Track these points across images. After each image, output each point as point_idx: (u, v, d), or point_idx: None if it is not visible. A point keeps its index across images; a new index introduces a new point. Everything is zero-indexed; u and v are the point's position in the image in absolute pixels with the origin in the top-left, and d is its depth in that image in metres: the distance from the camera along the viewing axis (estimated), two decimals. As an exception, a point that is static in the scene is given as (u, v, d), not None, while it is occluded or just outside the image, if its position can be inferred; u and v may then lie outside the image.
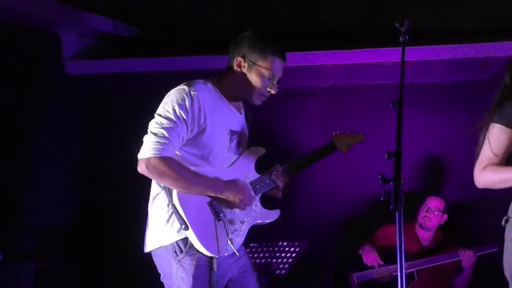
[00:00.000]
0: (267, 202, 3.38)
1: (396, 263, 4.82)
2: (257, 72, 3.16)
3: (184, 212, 3.04)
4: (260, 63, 3.16)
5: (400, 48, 2.86)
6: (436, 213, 4.93)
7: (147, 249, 3.21)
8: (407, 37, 2.84)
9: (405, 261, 4.78)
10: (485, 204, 4.98)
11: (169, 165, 2.99)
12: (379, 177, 2.52)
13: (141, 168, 3.02)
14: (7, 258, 4.56)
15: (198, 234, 3.03)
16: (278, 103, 3.47)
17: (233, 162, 3.25)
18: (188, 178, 3.04)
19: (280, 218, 3.41)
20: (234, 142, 3.25)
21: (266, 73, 3.16)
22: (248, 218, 3.24)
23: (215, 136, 3.14)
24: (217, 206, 3.12)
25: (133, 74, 5.43)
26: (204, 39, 5.38)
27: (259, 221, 3.30)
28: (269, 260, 4.50)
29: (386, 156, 2.56)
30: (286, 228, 4.36)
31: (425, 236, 5.01)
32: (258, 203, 3.29)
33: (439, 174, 5.35)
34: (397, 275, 4.77)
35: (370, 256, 4.84)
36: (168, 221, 3.09)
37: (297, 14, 4.94)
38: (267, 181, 3.30)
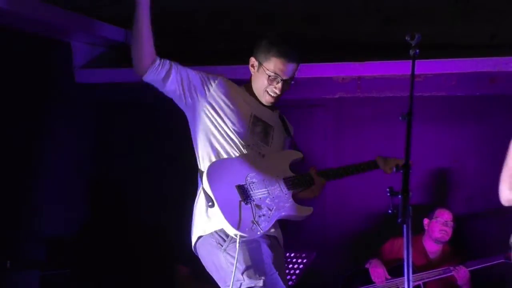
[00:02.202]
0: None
1: (403, 276, 4.85)
2: (262, 71, 3.30)
3: (212, 190, 3.12)
4: (265, 63, 3.29)
5: (410, 61, 2.83)
6: (451, 225, 4.93)
7: (193, 243, 3.28)
8: (417, 51, 2.83)
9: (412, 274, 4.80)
10: (491, 218, 4.99)
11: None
12: (388, 190, 2.52)
13: None
14: (14, 266, 4.57)
15: (223, 210, 3.09)
16: (288, 114, 3.52)
17: (267, 155, 3.33)
18: None
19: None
20: (259, 129, 3.33)
21: (268, 73, 3.28)
22: (277, 206, 3.25)
23: (238, 113, 3.25)
24: (246, 190, 3.19)
25: (143, 84, 5.44)
26: (216, 49, 5.40)
27: (290, 214, 3.31)
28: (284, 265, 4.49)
29: (394, 169, 2.57)
30: (294, 240, 4.35)
31: (433, 249, 5.00)
32: (291, 198, 3.31)
33: (447, 187, 5.33)
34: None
35: (377, 272, 4.82)
36: (206, 211, 3.18)
37: (309, 26, 4.96)
38: (299, 180, 3.36)
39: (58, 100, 5.33)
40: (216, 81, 3.27)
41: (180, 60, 5.41)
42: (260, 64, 3.29)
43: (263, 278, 3.09)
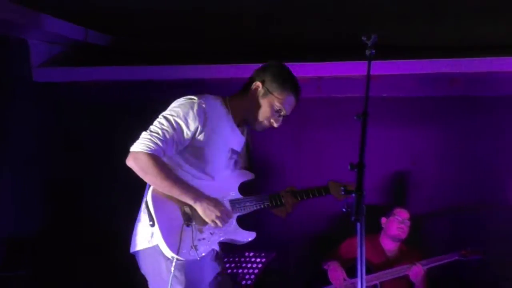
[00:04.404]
0: (245, 224, 3.39)
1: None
2: (270, 101, 3.25)
3: (154, 209, 3.11)
4: (276, 94, 3.25)
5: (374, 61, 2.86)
6: (408, 224, 4.99)
7: (133, 249, 3.25)
8: (373, 51, 2.85)
9: (368, 273, 4.85)
10: (446, 217, 5.06)
11: (155, 163, 3.06)
12: (342, 188, 2.54)
13: (129, 161, 3.11)
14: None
15: (162, 231, 3.08)
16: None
17: (217, 177, 3.29)
18: (170, 180, 3.10)
19: (248, 229, 3.41)
20: (233, 161, 3.34)
21: (277, 104, 3.25)
22: (220, 231, 3.25)
23: (216, 151, 3.22)
24: (190, 213, 3.16)
25: (101, 83, 5.41)
26: (178, 49, 5.38)
27: (231, 238, 3.32)
28: (235, 270, 4.49)
29: (349, 168, 2.58)
30: (254, 240, 4.35)
31: (391, 247, 5.05)
32: (234, 222, 3.32)
33: (405, 188, 5.38)
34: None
35: (335, 275, 4.84)
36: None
37: (270, 27, 4.96)
38: (248, 203, 3.35)
39: (14, 99, 5.24)
40: (205, 130, 3.16)
41: (129, 59, 5.42)
42: (269, 92, 3.24)
43: None
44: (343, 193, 2.57)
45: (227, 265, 4.45)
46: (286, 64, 5.24)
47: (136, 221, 3.26)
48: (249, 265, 4.52)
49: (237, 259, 4.51)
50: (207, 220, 3.16)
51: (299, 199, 3.49)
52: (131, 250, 3.27)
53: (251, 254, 4.54)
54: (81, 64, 5.44)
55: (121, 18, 4.80)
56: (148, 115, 3.25)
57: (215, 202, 3.18)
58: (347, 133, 5.19)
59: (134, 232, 3.26)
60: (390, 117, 5.33)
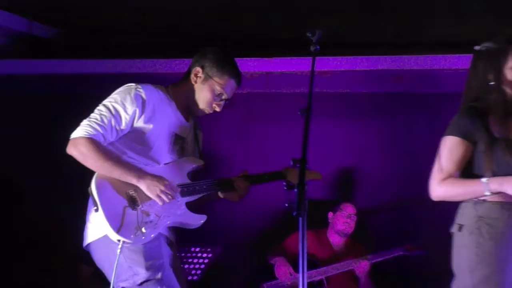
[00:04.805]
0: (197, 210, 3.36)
1: (307, 271, 4.91)
2: (211, 85, 3.29)
3: (98, 193, 3.10)
4: (216, 78, 3.29)
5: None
6: (354, 219, 5.04)
7: (86, 242, 3.22)
8: (318, 47, 2.87)
9: (314, 268, 4.88)
10: (391, 212, 5.12)
11: (95, 147, 3.07)
12: (284, 183, 2.55)
13: (69, 148, 3.12)
14: None
15: (107, 215, 3.07)
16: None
17: (168, 163, 3.28)
18: (111, 161, 3.11)
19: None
20: (178, 147, 3.32)
21: (218, 89, 3.29)
22: (167, 214, 3.23)
23: (158, 136, 3.22)
24: (135, 196, 3.16)
25: (45, 76, 5.33)
26: (123, 42, 5.32)
27: (181, 222, 3.30)
28: (181, 265, 4.46)
29: (291, 163, 2.59)
30: (200, 234, 4.33)
31: (338, 242, 5.10)
32: (183, 206, 3.29)
33: (351, 183, 5.43)
34: (307, 282, 4.84)
35: (281, 270, 4.85)
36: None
37: (217, 21, 4.94)
38: (197, 187, 3.33)
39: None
40: (144, 113, 3.17)
41: (88, 53, 5.36)
42: (210, 77, 3.28)
43: (160, 272, 3.12)
44: (285, 188, 2.56)
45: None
46: (235, 59, 5.30)
47: (86, 214, 3.23)
48: (195, 260, 4.50)
49: (183, 254, 4.49)
50: (152, 196, 3.15)
51: (254, 183, 3.51)
52: (84, 245, 3.24)
53: (197, 249, 4.53)
54: (24, 57, 5.34)
55: (67, 11, 4.73)
56: (91, 109, 3.21)
57: (159, 178, 3.18)
58: (295, 128, 5.21)
59: (85, 226, 3.23)
60: (337, 113, 5.37)
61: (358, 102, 5.42)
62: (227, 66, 3.32)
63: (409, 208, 5.15)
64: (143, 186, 3.14)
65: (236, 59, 5.26)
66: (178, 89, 3.34)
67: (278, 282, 4.86)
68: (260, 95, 5.56)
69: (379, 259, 4.89)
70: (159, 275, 3.11)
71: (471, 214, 2.98)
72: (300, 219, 2.48)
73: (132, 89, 3.19)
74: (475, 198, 2.97)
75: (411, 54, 5.23)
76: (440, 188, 3.00)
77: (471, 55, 3.17)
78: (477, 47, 3.14)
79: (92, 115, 3.14)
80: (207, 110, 3.36)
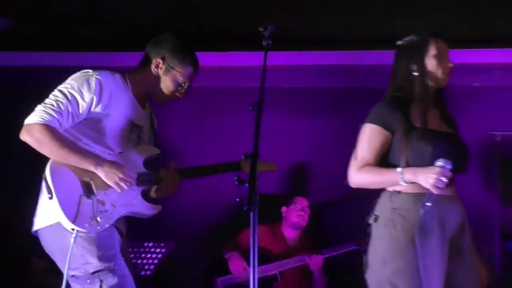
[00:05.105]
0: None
1: (261, 265, 4.95)
2: (173, 76, 3.31)
3: (52, 180, 3.06)
4: (178, 68, 3.30)
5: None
6: (307, 212, 5.08)
7: (35, 227, 3.17)
8: (270, 42, 2.88)
9: (268, 263, 4.91)
10: (345, 207, 5.16)
11: (50, 132, 3.02)
12: (235, 178, 2.55)
13: (23, 135, 3.05)
14: None
15: (61, 203, 3.03)
16: (150, 103, 3.48)
17: (123, 152, 3.26)
18: (67, 148, 3.06)
19: (147, 219, 3.36)
20: (135, 135, 3.30)
21: (180, 79, 3.31)
22: (122, 203, 3.20)
23: (114, 123, 3.19)
24: (90, 184, 3.12)
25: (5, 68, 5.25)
26: (74, 35, 5.25)
27: (136, 211, 3.27)
28: (134, 260, 4.44)
29: (243, 157, 2.59)
30: (153, 229, 4.32)
31: (292, 236, 5.13)
32: (139, 195, 3.27)
33: (305, 178, 5.46)
34: (261, 277, 4.88)
35: (235, 265, 4.87)
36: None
37: (172, 14, 4.92)
38: (153, 177, 3.32)
39: None
40: (101, 101, 3.13)
41: (44, 45, 5.27)
42: (171, 68, 3.29)
43: (113, 262, 3.09)
44: (236, 183, 2.56)
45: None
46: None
47: (39, 199, 3.18)
48: (148, 255, 4.48)
49: (136, 249, 4.47)
50: (110, 183, 3.12)
51: (184, 177, 3.45)
52: (32, 230, 3.18)
53: (151, 244, 4.51)
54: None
55: (18, 2, 4.66)
56: (42, 101, 3.15)
57: (117, 165, 3.15)
58: (249, 122, 5.22)
59: (35, 212, 3.18)
60: (291, 108, 5.39)
61: (312, 97, 5.45)
62: (187, 56, 3.34)
63: (362, 202, 5.19)
64: (101, 173, 3.11)
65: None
66: (136, 78, 3.31)
67: (232, 277, 4.87)
68: (215, 89, 5.55)
69: (333, 254, 4.93)
70: (111, 265, 3.08)
71: (387, 206, 2.99)
72: (251, 213, 2.48)
73: (89, 76, 3.16)
74: (392, 186, 2.97)
75: (364, 50, 5.26)
76: (357, 175, 3.02)
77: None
78: (399, 42, 3.19)
79: (47, 100, 3.09)
80: (170, 99, 3.37)
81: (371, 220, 3.07)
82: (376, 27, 4.98)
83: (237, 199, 2.53)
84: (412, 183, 2.91)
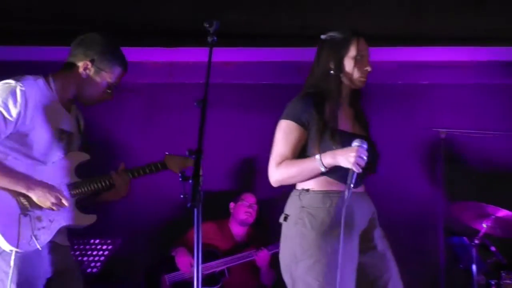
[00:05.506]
0: (85, 206, 3.29)
1: (209, 262, 4.94)
2: (101, 78, 3.21)
3: None
4: (108, 70, 3.21)
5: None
6: (255, 208, 5.10)
7: None
8: (215, 38, 2.86)
9: (216, 259, 4.90)
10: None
11: None
12: (179, 175, 2.53)
13: None
14: None
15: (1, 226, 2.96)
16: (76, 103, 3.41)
17: (55, 162, 3.18)
18: None
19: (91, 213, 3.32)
20: (64, 142, 3.21)
21: (109, 80, 3.22)
22: (59, 218, 3.16)
23: (42, 134, 3.09)
24: (26, 202, 3.05)
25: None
26: (7, 28, 5.14)
27: (73, 224, 3.23)
28: (80, 258, 4.38)
29: (187, 153, 2.58)
30: (99, 226, 4.26)
31: (239, 232, 5.14)
32: (73, 206, 3.22)
33: (253, 174, 5.47)
34: (208, 273, 4.87)
35: (182, 260, 4.86)
36: None
37: (121, 10, 4.87)
38: (85, 186, 3.25)
39: None
40: (27, 113, 3.02)
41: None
42: (100, 70, 3.20)
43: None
44: (180, 179, 2.53)
45: (71, 253, 4.33)
46: (138, 49, 5.23)
47: None
48: (94, 253, 4.42)
49: (82, 246, 4.40)
50: (43, 206, 3.07)
51: (134, 176, 3.40)
52: None
53: (97, 241, 4.44)
54: None
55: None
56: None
57: (49, 188, 3.09)
58: (198, 119, 5.21)
59: None
60: (239, 104, 5.40)
61: (261, 93, 5.46)
62: (116, 57, 3.25)
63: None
64: (34, 197, 3.04)
65: (140, 48, 5.27)
66: (62, 81, 3.20)
67: (180, 273, 4.86)
68: (164, 85, 5.52)
69: (279, 249, 4.94)
70: None
71: (296, 204, 3.02)
72: (195, 210, 2.47)
73: (13, 88, 3.02)
74: (313, 176, 2.96)
75: (313, 46, 5.28)
76: (278, 171, 3.00)
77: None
78: (323, 36, 3.18)
79: None
80: (99, 101, 3.29)
81: (281, 220, 3.10)
82: (325, 24, 5.00)
83: (181, 196, 2.51)
84: (333, 166, 2.89)
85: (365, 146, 2.86)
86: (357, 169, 2.82)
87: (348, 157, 2.83)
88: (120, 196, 3.38)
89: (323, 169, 2.91)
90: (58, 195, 3.10)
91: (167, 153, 3.48)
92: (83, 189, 3.24)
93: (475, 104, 5.45)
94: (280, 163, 3.00)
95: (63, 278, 3.19)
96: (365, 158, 2.84)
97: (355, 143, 2.86)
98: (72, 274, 3.27)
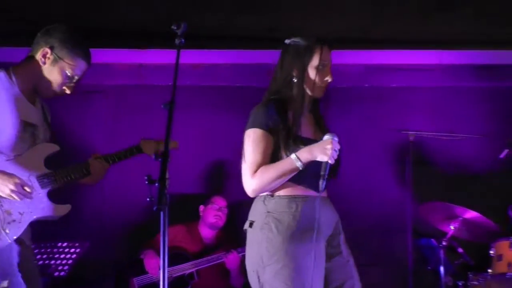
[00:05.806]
0: (61, 197, 3.27)
1: (178, 264, 4.92)
2: (61, 67, 3.15)
3: None
4: (67, 60, 3.15)
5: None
6: (225, 212, 5.08)
7: None
8: (183, 40, 2.84)
9: (185, 262, 4.89)
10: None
11: None
12: (146, 178, 2.51)
13: None
14: None
15: None
16: (65, 100, 3.38)
17: (21, 154, 3.14)
18: None
19: (61, 219, 3.29)
20: (28, 135, 3.16)
21: (69, 71, 3.16)
22: (30, 210, 3.12)
23: (4, 127, 3.06)
24: None
25: None
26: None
27: (45, 215, 3.19)
28: (47, 261, 4.34)
29: (154, 157, 2.57)
30: (67, 229, 4.24)
31: (208, 235, 5.13)
32: (45, 198, 3.18)
33: (223, 177, 5.46)
34: (178, 276, 4.85)
35: (151, 262, 4.83)
36: None
37: (90, 11, 4.83)
38: (57, 177, 3.22)
39: None
40: None
41: None
42: (60, 59, 3.14)
43: (8, 279, 3.01)
44: (146, 182, 2.51)
45: (39, 256, 4.30)
46: (107, 50, 5.20)
47: None
48: (62, 256, 4.38)
49: (49, 250, 4.35)
50: (3, 195, 3.03)
51: (110, 162, 3.40)
52: None
53: (64, 244, 4.40)
54: None
55: None
56: None
57: (9, 176, 3.03)
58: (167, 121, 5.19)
59: None
60: (209, 106, 5.39)
61: (231, 96, 5.46)
62: (78, 47, 3.19)
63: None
64: None
65: (109, 49, 5.23)
66: (22, 71, 3.17)
67: (148, 276, 4.83)
68: (133, 87, 5.49)
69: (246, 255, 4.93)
70: (5, 283, 2.99)
71: (261, 210, 3.01)
72: (161, 213, 2.46)
73: None
74: (290, 174, 2.94)
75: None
76: (254, 180, 2.98)
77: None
78: (287, 41, 3.17)
79: None
80: (58, 93, 3.22)
81: (246, 226, 3.09)
82: (293, 26, 5.03)
83: (148, 199, 2.49)
84: (309, 162, 2.89)
85: (336, 138, 2.89)
86: (332, 161, 2.85)
87: (325, 150, 2.85)
88: (96, 181, 3.37)
89: (300, 166, 2.90)
90: (18, 182, 3.05)
91: (142, 137, 3.47)
92: (59, 181, 3.21)
93: (444, 106, 5.51)
94: (255, 171, 2.97)
95: (24, 279, 3.13)
96: (337, 151, 2.87)
97: (327, 136, 2.89)
98: (33, 274, 3.22)
